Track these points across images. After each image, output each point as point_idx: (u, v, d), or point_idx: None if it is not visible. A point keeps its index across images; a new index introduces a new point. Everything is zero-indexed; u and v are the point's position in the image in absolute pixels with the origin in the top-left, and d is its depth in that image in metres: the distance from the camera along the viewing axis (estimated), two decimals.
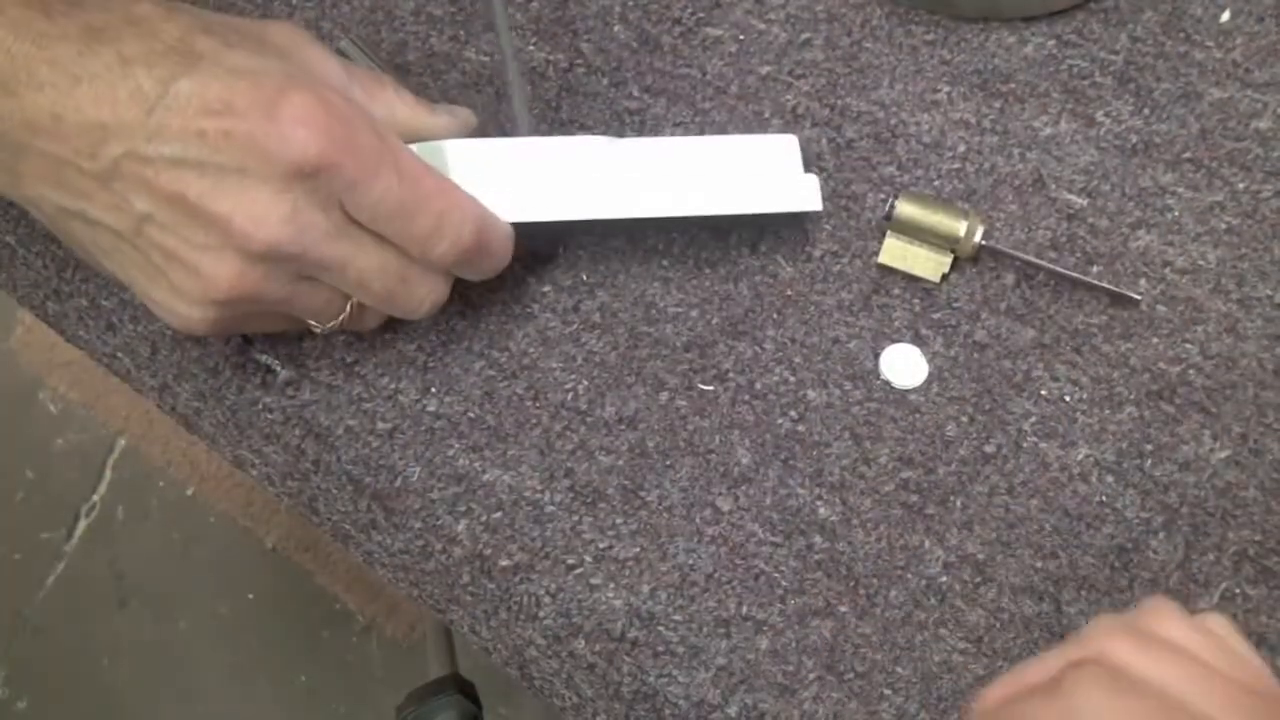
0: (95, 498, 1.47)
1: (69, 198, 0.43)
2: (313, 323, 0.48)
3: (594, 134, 0.54)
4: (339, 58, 0.48)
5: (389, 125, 0.47)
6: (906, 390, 0.51)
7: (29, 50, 0.40)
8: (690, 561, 0.49)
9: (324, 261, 0.44)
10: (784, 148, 0.51)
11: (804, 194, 0.51)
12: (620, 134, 0.55)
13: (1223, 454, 0.49)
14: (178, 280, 0.43)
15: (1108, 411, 0.50)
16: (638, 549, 0.49)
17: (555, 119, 0.56)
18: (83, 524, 1.46)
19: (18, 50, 0.40)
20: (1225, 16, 0.55)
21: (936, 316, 0.52)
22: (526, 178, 0.48)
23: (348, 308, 0.47)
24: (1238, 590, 0.48)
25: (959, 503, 0.49)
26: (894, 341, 0.52)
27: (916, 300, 0.52)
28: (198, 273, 0.43)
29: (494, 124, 0.55)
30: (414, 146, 0.47)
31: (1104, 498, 0.49)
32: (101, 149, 0.41)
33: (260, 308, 0.45)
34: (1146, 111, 0.54)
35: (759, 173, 0.51)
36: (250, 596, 1.41)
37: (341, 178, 0.43)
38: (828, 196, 0.53)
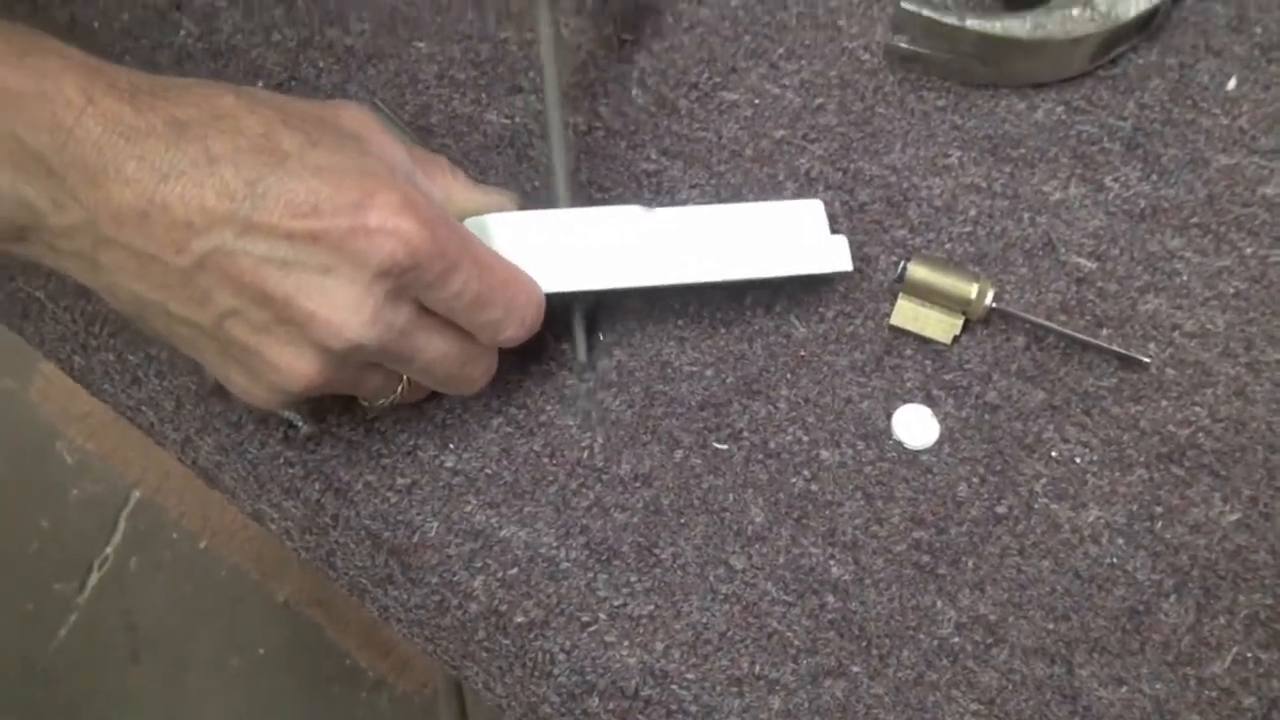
0: (109, 549, 1.48)
1: (150, 289, 0.43)
2: (365, 401, 0.50)
3: (626, 203, 0.55)
4: (401, 139, 0.49)
5: (446, 205, 0.49)
6: (918, 450, 0.51)
7: (117, 144, 0.40)
8: (704, 620, 0.50)
9: (397, 355, 0.45)
10: (811, 211, 0.53)
11: (835, 255, 0.52)
12: (639, 195, 0.56)
13: (1233, 517, 0.50)
14: (256, 371, 0.44)
15: (1118, 473, 0.50)
16: (652, 606, 0.50)
17: (574, 181, 0.57)
18: (95, 575, 1.47)
19: (106, 144, 0.40)
20: (1231, 84, 0.57)
21: (948, 378, 0.52)
22: (567, 248, 0.49)
23: (400, 387, 0.49)
24: (1249, 654, 0.48)
25: (971, 563, 0.50)
26: (906, 402, 0.52)
27: (928, 361, 0.53)
28: (277, 368, 0.44)
29: (515, 185, 0.56)
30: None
31: (1115, 559, 0.49)
32: (188, 245, 0.41)
33: (326, 392, 0.46)
34: (1155, 177, 0.55)
35: (790, 236, 0.52)
36: (261, 651, 1.41)
37: (424, 277, 0.43)
38: None
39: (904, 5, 0.54)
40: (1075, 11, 0.54)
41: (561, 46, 0.53)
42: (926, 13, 0.54)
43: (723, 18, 0.60)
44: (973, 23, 0.54)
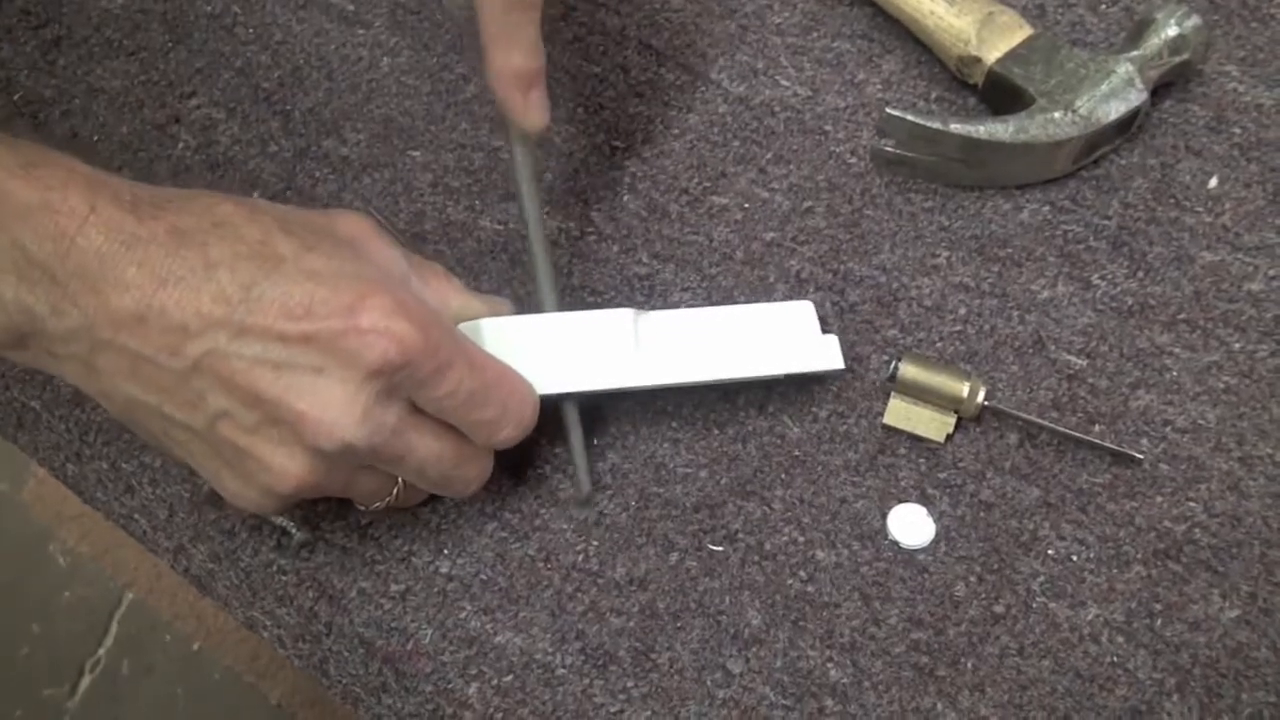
0: (100, 652, 1.46)
1: (145, 392, 0.43)
2: (361, 505, 0.50)
3: (618, 305, 0.56)
4: (399, 246, 0.49)
5: (442, 310, 0.49)
6: (914, 550, 0.51)
7: (119, 252, 0.41)
8: None
9: (389, 455, 0.45)
10: (802, 312, 0.53)
11: (827, 354, 0.52)
12: (631, 298, 0.57)
13: (1232, 613, 0.49)
14: (248, 473, 0.44)
15: (1115, 571, 0.50)
16: (649, 713, 0.49)
17: (567, 285, 0.57)
18: (86, 680, 1.44)
19: (108, 252, 0.41)
20: (1213, 183, 0.58)
21: (942, 476, 0.53)
22: (560, 351, 0.50)
23: (395, 489, 0.49)
24: None
25: (970, 664, 0.49)
26: (901, 501, 0.52)
27: (922, 460, 0.53)
28: (268, 469, 0.44)
29: (508, 289, 0.57)
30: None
31: (1115, 658, 0.49)
32: (183, 348, 0.42)
33: (319, 494, 0.46)
34: (1141, 274, 0.56)
35: (782, 337, 0.52)
36: None
37: (415, 376, 0.44)
38: None
39: (889, 110, 0.55)
40: (1057, 115, 0.55)
41: (538, 165, 0.54)
42: (911, 117, 0.55)
43: (711, 124, 0.61)
44: (956, 127, 0.55)
